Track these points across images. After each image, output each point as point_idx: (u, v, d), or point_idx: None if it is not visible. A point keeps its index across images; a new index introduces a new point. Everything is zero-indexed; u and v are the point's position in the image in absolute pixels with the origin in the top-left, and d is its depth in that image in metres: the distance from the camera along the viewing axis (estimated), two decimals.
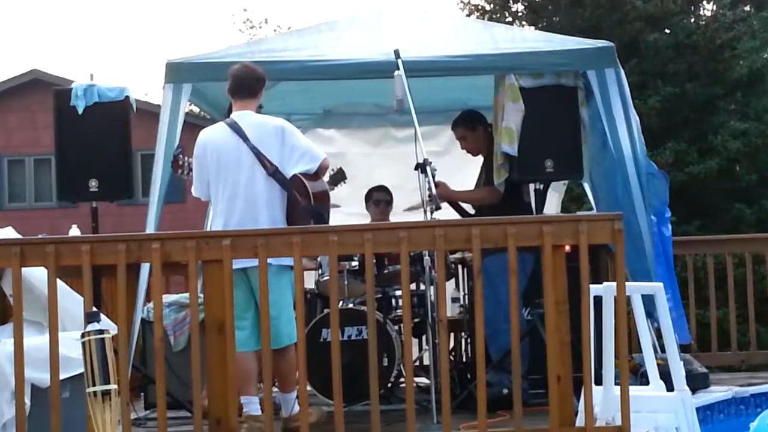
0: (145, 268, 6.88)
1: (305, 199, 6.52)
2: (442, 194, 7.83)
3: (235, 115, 6.69)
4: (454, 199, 8.02)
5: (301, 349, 5.36)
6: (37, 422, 5.42)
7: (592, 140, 7.69)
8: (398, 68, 6.98)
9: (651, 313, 6.17)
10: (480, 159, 8.24)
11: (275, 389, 7.83)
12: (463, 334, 8.54)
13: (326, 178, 7.21)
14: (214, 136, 6.69)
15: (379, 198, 8.87)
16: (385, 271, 7.90)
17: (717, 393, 7.88)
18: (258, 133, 6.58)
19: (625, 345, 5.37)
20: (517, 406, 5.22)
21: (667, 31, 17.07)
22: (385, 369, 7.61)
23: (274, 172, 6.52)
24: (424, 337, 8.24)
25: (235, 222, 6.49)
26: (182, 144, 7.18)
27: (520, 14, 18.49)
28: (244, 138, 6.55)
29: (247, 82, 6.70)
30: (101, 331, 4.76)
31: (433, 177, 6.95)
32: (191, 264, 5.29)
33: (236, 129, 6.59)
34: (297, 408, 6.37)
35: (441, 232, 5.29)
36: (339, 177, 7.66)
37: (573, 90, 7.47)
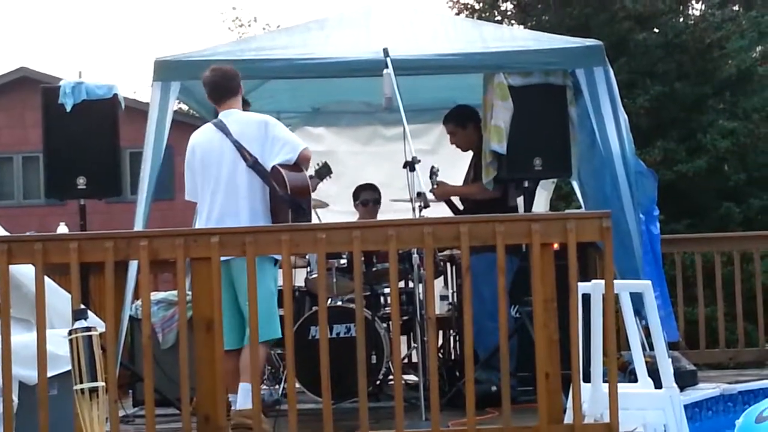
0: (133, 265, 6.87)
1: (282, 188, 6.52)
2: (440, 193, 7.88)
3: (221, 114, 6.74)
4: (451, 195, 8.05)
5: (289, 347, 5.36)
6: (24, 420, 5.41)
7: (581, 139, 7.70)
8: (387, 66, 6.98)
9: (639, 311, 6.18)
10: (468, 155, 8.25)
11: (263, 386, 7.85)
12: (451, 331, 8.55)
13: (311, 171, 7.24)
14: (201, 137, 6.74)
15: (366, 198, 8.87)
16: (374, 269, 7.90)
17: (705, 390, 7.89)
18: (240, 127, 6.62)
19: (614, 342, 5.38)
20: (505, 404, 5.23)
21: (656, 30, 17.07)
22: (374, 366, 7.62)
23: (253, 164, 6.55)
24: (412, 335, 8.25)
25: (217, 214, 6.51)
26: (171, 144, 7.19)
27: (509, 13, 18.49)
28: (227, 133, 6.60)
29: (224, 85, 6.74)
30: (89, 329, 4.75)
31: (436, 176, 6.97)
32: (179, 261, 5.29)
33: (221, 126, 6.64)
34: (247, 404, 6.25)
35: (429, 230, 5.30)
36: (324, 171, 7.66)
37: (562, 88, 7.48)
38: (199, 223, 6.67)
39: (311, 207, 6.71)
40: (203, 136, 6.73)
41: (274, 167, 6.56)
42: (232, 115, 6.69)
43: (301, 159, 6.64)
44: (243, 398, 6.29)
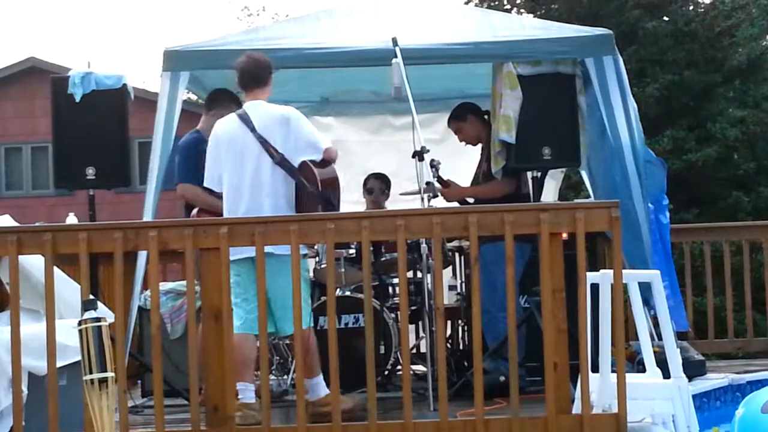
0: (142, 255, 6.87)
1: (313, 185, 6.50)
2: (452, 194, 7.84)
3: (246, 106, 6.70)
4: (464, 197, 8.00)
5: (297, 337, 5.37)
6: (34, 410, 5.44)
7: (590, 128, 7.68)
8: (396, 56, 6.97)
9: (648, 301, 6.17)
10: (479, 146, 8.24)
11: (272, 376, 7.87)
12: (460, 321, 8.55)
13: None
14: (225, 127, 6.70)
15: (372, 186, 8.86)
16: (382, 259, 7.90)
17: (713, 380, 7.89)
18: (265, 122, 6.57)
19: (622, 333, 5.39)
20: (513, 394, 5.23)
21: (666, 18, 17.03)
22: (382, 356, 7.63)
23: (280, 161, 6.52)
24: (420, 325, 8.25)
25: (243, 212, 6.48)
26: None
27: (518, 2, 18.44)
28: (252, 128, 6.56)
29: (254, 73, 6.70)
30: (98, 319, 4.76)
31: (437, 170, 6.94)
32: (188, 252, 5.29)
33: (245, 119, 6.60)
34: (324, 392, 6.35)
35: (438, 220, 5.30)
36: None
37: (571, 78, 7.46)
38: (225, 215, 6.65)
39: (340, 201, 6.71)
40: (227, 127, 6.68)
41: (304, 163, 6.53)
42: (257, 108, 6.64)
43: (326, 159, 6.61)
44: (313, 391, 6.43)
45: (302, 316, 6.06)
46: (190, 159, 7.45)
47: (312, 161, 6.54)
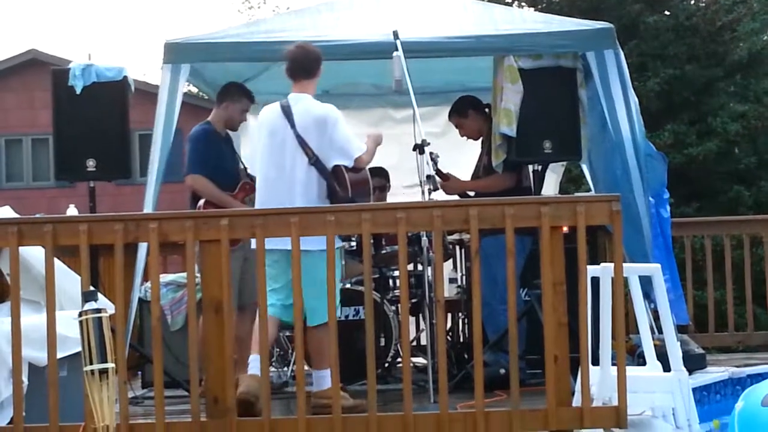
0: (142, 247, 6.88)
1: (344, 189, 6.57)
2: (452, 188, 7.85)
3: (291, 98, 6.74)
4: (464, 190, 8.00)
5: (297, 329, 5.37)
6: (34, 401, 5.44)
7: (591, 122, 7.68)
8: (397, 49, 6.96)
9: (648, 294, 6.18)
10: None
11: (272, 368, 7.87)
12: (460, 314, 8.56)
13: None
14: (267, 117, 6.76)
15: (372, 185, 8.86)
16: (383, 252, 7.90)
17: (714, 374, 7.88)
18: (304, 119, 6.63)
19: (623, 326, 5.38)
20: (514, 386, 5.24)
21: (667, 12, 17.01)
22: (383, 349, 7.64)
23: (315, 162, 6.58)
24: (421, 317, 8.25)
25: (275, 207, 6.49)
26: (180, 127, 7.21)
27: None
28: (292, 123, 6.62)
29: (303, 63, 6.75)
30: (99, 310, 4.76)
31: (436, 164, 6.94)
32: (189, 244, 5.29)
33: (287, 113, 6.64)
34: (327, 386, 6.36)
35: (439, 213, 5.29)
36: None
37: (572, 71, 7.46)
38: (257, 205, 6.70)
39: (369, 200, 6.77)
40: (269, 118, 6.73)
41: (337, 166, 6.59)
42: (300, 102, 6.68)
43: (357, 166, 6.66)
44: (318, 383, 6.47)
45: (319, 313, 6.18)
46: (199, 150, 7.49)
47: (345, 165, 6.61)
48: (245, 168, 7.73)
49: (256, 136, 6.83)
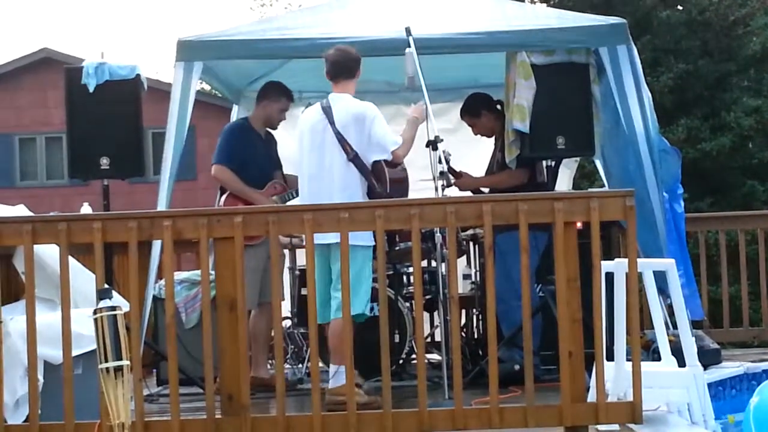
0: (156, 245, 6.88)
1: (382, 185, 6.66)
2: (465, 185, 7.85)
3: (331, 97, 6.84)
4: (477, 187, 8.00)
5: (312, 326, 5.37)
6: (50, 398, 5.45)
7: (604, 117, 7.66)
8: (409, 46, 6.96)
9: (663, 290, 6.17)
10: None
11: (287, 365, 7.88)
12: (474, 310, 8.55)
13: None
14: (308, 116, 6.87)
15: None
16: (397, 248, 7.90)
17: (729, 369, 7.88)
18: (343, 117, 6.72)
19: (637, 321, 5.36)
20: (528, 382, 5.23)
21: (680, 7, 17.00)
22: (397, 345, 7.63)
23: (354, 158, 6.65)
24: (435, 314, 8.24)
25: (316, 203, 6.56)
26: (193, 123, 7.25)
27: None
28: (332, 121, 6.72)
29: (344, 64, 6.86)
30: (113, 308, 4.77)
31: (448, 162, 6.94)
32: (203, 241, 5.30)
33: (327, 112, 6.76)
34: (339, 382, 6.39)
35: (452, 209, 5.29)
36: None
37: (585, 67, 7.44)
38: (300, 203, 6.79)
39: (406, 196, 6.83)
40: (310, 117, 6.85)
41: (377, 162, 6.68)
42: (340, 101, 6.78)
43: (394, 161, 6.74)
44: (336, 378, 6.47)
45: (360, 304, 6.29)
46: (229, 142, 7.56)
47: (384, 160, 6.68)
48: (281, 171, 7.83)
49: (297, 137, 6.94)
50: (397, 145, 6.71)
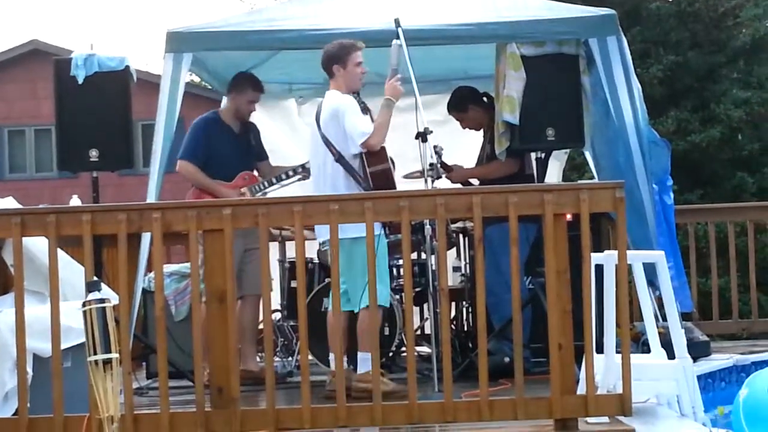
0: (146, 238, 6.87)
1: (365, 181, 6.66)
2: (456, 177, 7.85)
3: (326, 94, 6.94)
4: (468, 178, 7.99)
5: (302, 319, 5.37)
6: (39, 391, 5.43)
7: (594, 109, 7.66)
8: (398, 37, 6.95)
9: (652, 282, 6.17)
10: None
11: (276, 358, 7.87)
12: (464, 303, 8.54)
13: None
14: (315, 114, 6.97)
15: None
16: (387, 240, 7.88)
17: (718, 361, 7.89)
18: (325, 116, 6.80)
19: (627, 313, 5.37)
20: (518, 375, 5.23)
21: None
22: (387, 338, 7.63)
23: (339, 158, 6.70)
24: (425, 306, 8.24)
25: None
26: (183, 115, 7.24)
27: None
28: (318, 122, 6.82)
29: (328, 57, 6.92)
30: (102, 300, 4.76)
31: (440, 156, 6.94)
32: (192, 233, 5.28)
33: (318, 112, 6.88)
34: (366, 369, 6.40)
35: (442, 201, 5.28)
36: None
37: (575, 58, 7.44)
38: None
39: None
40: (314, 116, 6.95)
41: (360, 157, 6.69)
42: (326, 99, 6.88)
43: (369, 151, 6.71)
44: (360, 365, 6.57)
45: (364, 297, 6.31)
46: (195, 137, 7.53)
47: (365, 155, 6.69)
48: (267, 161, 7.88)
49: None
50: (365, 136, 6.65)
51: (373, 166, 6.69)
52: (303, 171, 7.68)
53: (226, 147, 7.62)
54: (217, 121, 7.69)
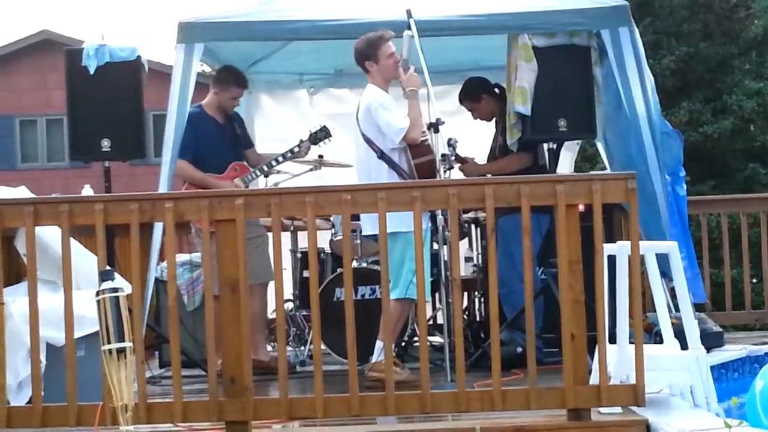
0: (158, 227, 6.88)
1: (409, 175, 6.75)
2: (471, 171, 7.85)
3: (365, 89, 7.01)
4: (482, 173, 7.98)
5: (314, 308, 5.37)
6: (52, 380, 5.46)
7: (606, 100, 7.64)
8: (410, 28, 6.94)
9: (665, 272, 6.16)
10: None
11: (289, 348, 7.89)
12: (476, 293, 8.55)
13: (306, 135, 7.66)
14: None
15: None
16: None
17: (731, 352, 7.87)
18: (363, 113, 6.87)
19: (639, 304, 5.36)
20: (531, 365, 5.23)
21: None
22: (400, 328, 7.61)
23: (381, 155, 6.77)
24: (437, 296, 8.24)
25: None
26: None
27: None
28: (357, 119, 6.91)
29: (359, 53, 7.00)
30: (116, 289, 4.77)
31: (454, 149, 6.94)
32: (204, 223, 5.29)
33: (357, 108, 6.96)
34: (380, 357, 6.43)
35: (454, 191, 5.28)
36: (321, 135, 7.72)
37: (586, 49, 7.42)
38: None
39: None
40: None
41: (401, 151, 6.77)
42: (363, 95, 6.95)
43: (408, 143, 6.80)
44: (377, 353, 6.61)
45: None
46: (182, 133, 7.48)
47: (410, 145, 6.78)
48: (253, 149, 7.90)
49: None
50: (402, 132, 6.75)
51: (417, 158, 6.79)
52: (299, 147, 7.70)
53: (213, 139, 7.62)
54: (201, 115, 7.67)
